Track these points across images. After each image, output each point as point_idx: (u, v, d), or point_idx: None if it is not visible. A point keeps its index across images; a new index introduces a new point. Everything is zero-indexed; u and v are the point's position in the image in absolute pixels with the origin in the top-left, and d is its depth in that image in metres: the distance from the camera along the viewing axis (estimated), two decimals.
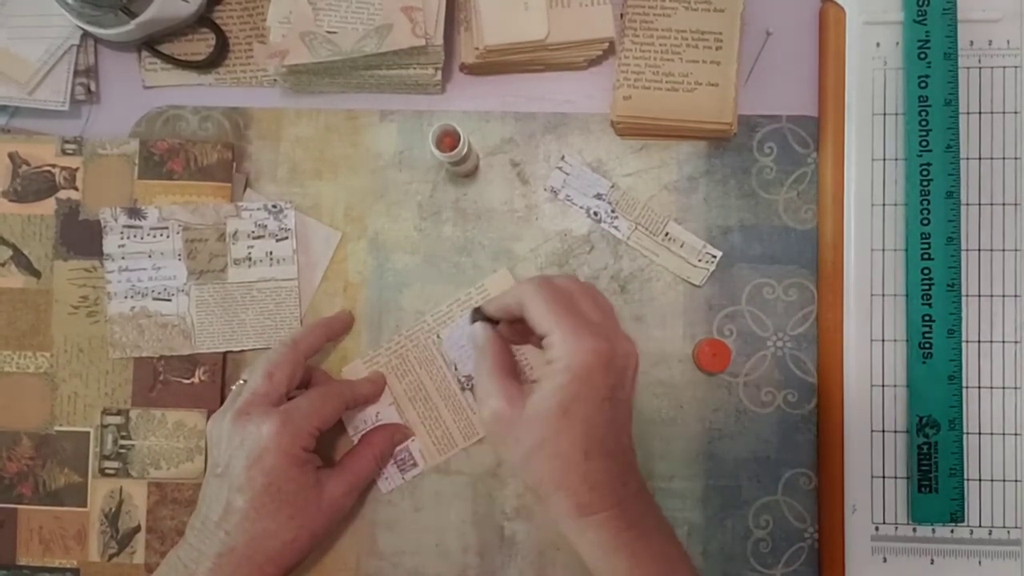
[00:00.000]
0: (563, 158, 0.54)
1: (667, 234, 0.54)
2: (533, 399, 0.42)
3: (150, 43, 0.56)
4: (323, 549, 0.53)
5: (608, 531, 0.42)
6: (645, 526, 0.42)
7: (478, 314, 0.47)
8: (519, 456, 0.42)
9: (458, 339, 0.53)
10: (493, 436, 0.44)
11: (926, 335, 0.51)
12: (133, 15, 0.52)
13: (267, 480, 0.45)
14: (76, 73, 0.55)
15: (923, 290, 0.51)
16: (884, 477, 0.52)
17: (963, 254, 0.51)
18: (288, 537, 0.46)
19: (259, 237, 0.54)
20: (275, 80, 0.55)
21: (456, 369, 0.53)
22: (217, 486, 0.46)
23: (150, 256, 0.54)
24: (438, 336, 0.54)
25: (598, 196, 0.54)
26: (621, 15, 0.54)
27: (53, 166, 0.55)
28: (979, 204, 0.52)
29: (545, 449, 0.42)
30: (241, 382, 0.49)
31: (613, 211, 0.54)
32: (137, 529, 0.53)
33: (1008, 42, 0.53)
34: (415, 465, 0.53)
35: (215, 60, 0.56)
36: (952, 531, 0.51)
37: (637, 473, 0.44)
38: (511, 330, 0.47)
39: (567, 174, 0.54)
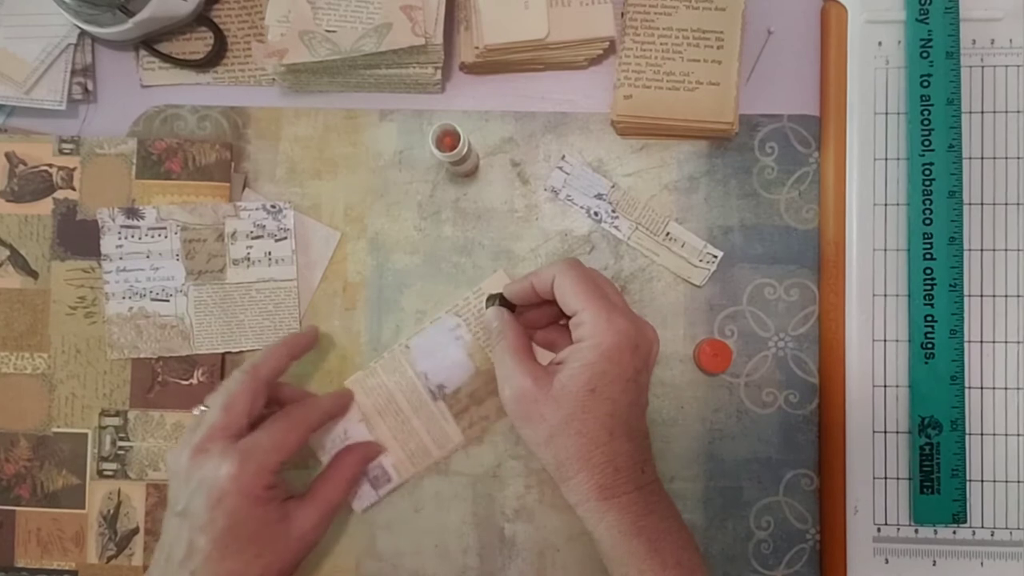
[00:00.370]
0: (563, 158, 0.54)
1: (668, 234, 0.53)
2: (560, 376, 0.43)
3: (148, 42, 0.55)
4: (323, 550, 0.53)
5: (629, 515, 0.42)
6: (663, 513, 0.43)
7: (493, 300, 0.48)
8: (544, 434, 0.43)
9: (428, 348, 0.53)
10: (517, 415, 0.44)
11: (928, 335, 0.51)
12: (131, 14, 0.52)
13: (229, 522, 0.43)
14: (73, 72, 0.55)
15: (925, 290, 0.51)
16: (886, 478, 0.52)
17: (965, 254, 0.51)
18: (255, 575, 0.44)
19: (258, 237, 0.54)
20: (274, 79, 0.54)
21: (427, 379, 0.53)
22: (178, 525, 0.44)
23: (148, 256, 0.53)
24: (406, 346, 0.53)
25: (598, 196, 0.54)
26: (622, 14, 0.53)
27: (50, 166, 0.54)
28: (981, 204, 0.52)
29: (572, 425, 0.42)
30: (201, 409, 0.47)
31: (614, 211, 0.54)
32: (135, 531, 0.53)
33: (1011, 41, 0.53)
34: (389, 480, 0.52)
35: (213, 59, 0.55)
36: (954, 532, 0.51)
37: (653, 461, 0.44)
38: (523, 319, 0.48)
39: (567, 174, 0.54)
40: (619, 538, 0.42)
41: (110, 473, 0.53)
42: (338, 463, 0.51)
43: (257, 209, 0.54)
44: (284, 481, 0.47)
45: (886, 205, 0.53)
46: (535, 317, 0.48)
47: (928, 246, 0.51)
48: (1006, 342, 0.52)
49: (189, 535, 0.43)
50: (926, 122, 0.51)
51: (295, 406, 0.49)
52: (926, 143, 0.51)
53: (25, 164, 0.54)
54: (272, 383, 0.48)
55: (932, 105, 0.51)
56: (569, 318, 0.45)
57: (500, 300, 0.48)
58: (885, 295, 0.52)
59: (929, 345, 0.51)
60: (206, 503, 0.43)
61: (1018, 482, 0.51)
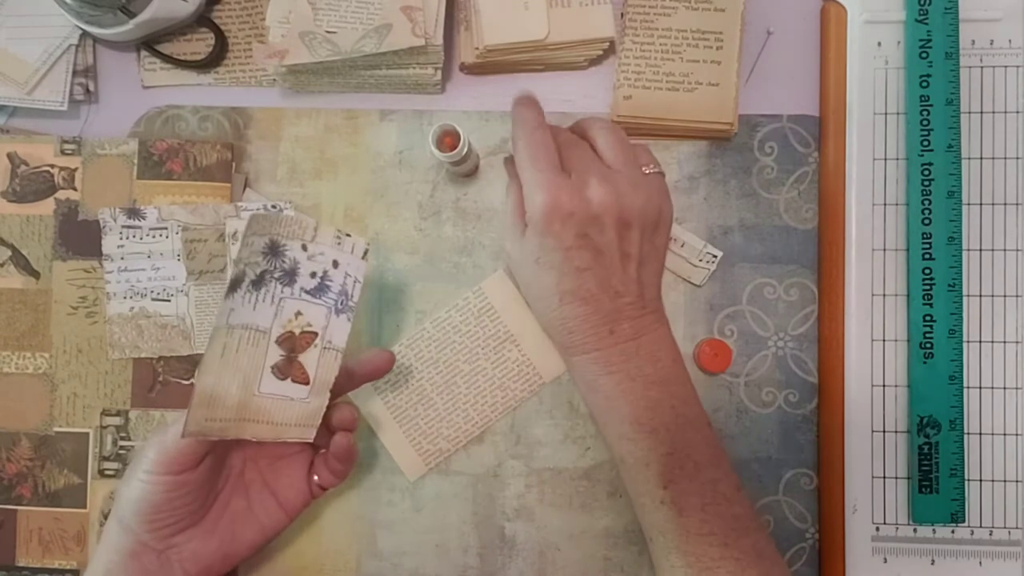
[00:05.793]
0: None
1: None
2: (519, 245, 0.46)
3: (149, 43, 0.55)
4: (323, 549, 0.53)
5: (589, 373, 0.46)
6: (628, 371, 0.45)
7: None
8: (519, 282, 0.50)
9: None
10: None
11: (927, 335, 0.51)
12: (132, 15, 0.52)
13: None
14: (75, 73, 0.55)
15: (924, 290, 0.51)
16: (885, 477, 0.52)
17: (964, 254, 0.51)
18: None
19: None
20: (274, 80, 0.55)
21: None
22: None
23: (149, 256, 0.54)
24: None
25: None
26: (621, 14, 0.53)
27: (52, 166, 0.54)
28: (980, 204, 0.52)
29: (530, 292, 0.48)
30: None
31: None
32: None
33: (1010, 41, 0.53)
34: None
35: (214, 60, 0.55)
36: (953, 531, 0.51)
37: (637, 320, 0.45)
38: None
39: None
40: (583, 388, 0.47)
41: (111, 472, 0.54)
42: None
43: (258, 209, 0.54)
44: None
45: (885, 205, 0.53)
46: None
47: (927, 246, 0.51)
48: (1004, 342, 0.52)
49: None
50: (925, 122, 0.51)
51: None
52: (925, 143, 0.51)
53: (27, 164, 0.55)
54: None
55: (931, 105, 0.51)
56: None
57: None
58: (884, 295, 0.52)
59: (928, 345, 0.51)
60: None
61: (1016, 481, 0.51)
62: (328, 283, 0.44)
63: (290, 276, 0.43)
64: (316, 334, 0.43)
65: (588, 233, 0.44)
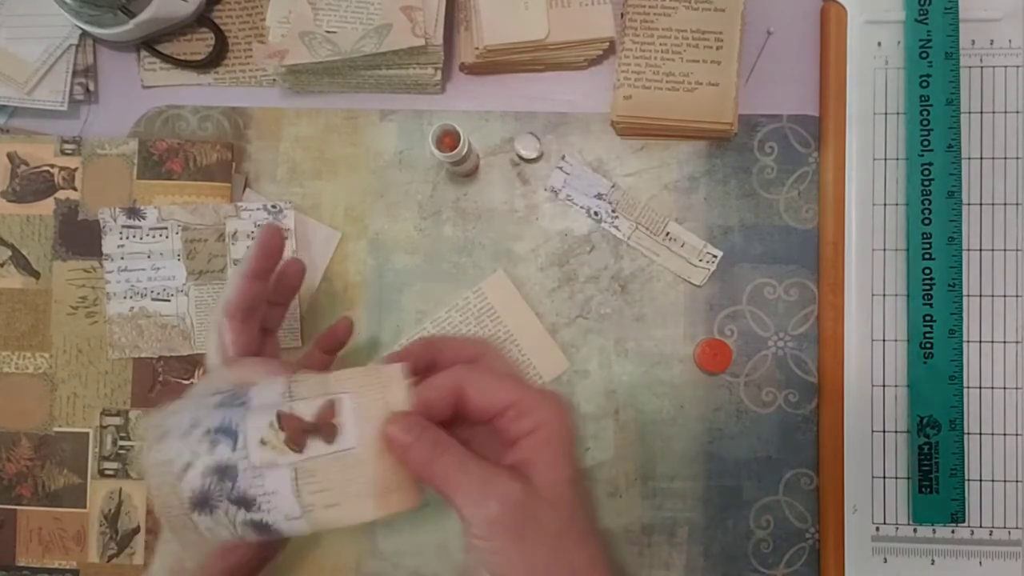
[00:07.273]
0: (563, 158, 0.54)
1: (668, 234, 0.54)
2: (540, 473, 0.34)
3: (149, 43, 0.55)
4: (323, 549, 0.53)
5: None
6: None
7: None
8: (547, 546, 0.34)
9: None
10: (509, 531, 0.34)
11: (927, 335, 0.51)
12: (132, 15, 0.52)
13: None
14: (75, 73, 0.55)
15: (924, 290, 0.51)
16: (885, 477, 0.52)
17: (964, 254, 0.51)
18: None
19: None
20: (274, 80, 0.55)
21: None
22: None
23: (149, 256, 0.54)
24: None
25: (598, 196, 0.54)
26: (621, 14, 0.53)
27: (52, 166, 0.54)
28: (980, 204, 0.52)
29: (574, 525, 0.35)
30: None
31: (614, 211, 0.54)
32: (136, 530, 0.53)
33: (1010, 41, 0.53)
34: None
35: (214, 60, 0.55)
36: (953, 531, 0.51)
37: None
38: None
39: (567, 174, 0.54)
40: None
41: (111, 472, 0.54)
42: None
43: (258, 209, 0.54)
44: None
45: (885, 205, 0.53)
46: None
47: (927, 246, 0.51)
48: (1004, 342, 0.52)
49: None
50: (925, 122, 0.51)
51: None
52: (925, 143, 0.51)
53: (27, 164, 0.55)
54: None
55: (931, 105, 0.51)
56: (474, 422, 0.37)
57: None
58: (884, 295, 0.52)
59: (928, 345, 0.51)
60: None
61: (1016, 481, 0.51)
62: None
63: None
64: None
65: None
